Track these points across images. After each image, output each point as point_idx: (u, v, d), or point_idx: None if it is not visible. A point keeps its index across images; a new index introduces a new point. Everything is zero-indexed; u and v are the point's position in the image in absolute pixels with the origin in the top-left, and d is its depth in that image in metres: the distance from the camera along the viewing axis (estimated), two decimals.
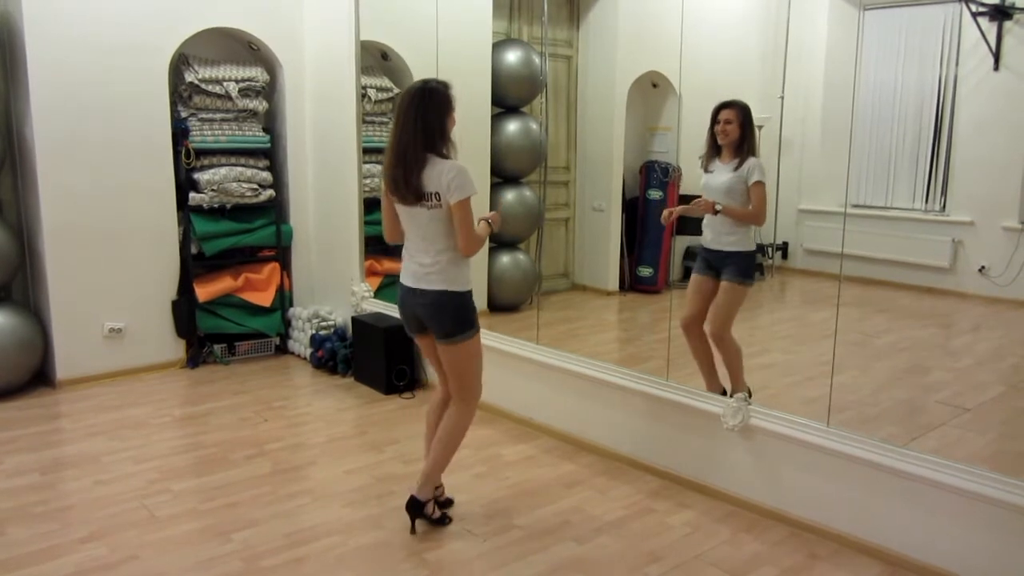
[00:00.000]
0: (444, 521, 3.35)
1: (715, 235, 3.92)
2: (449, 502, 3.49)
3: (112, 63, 4.98)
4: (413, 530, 3.27)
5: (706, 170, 3.94)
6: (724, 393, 3.95)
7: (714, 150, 3.91)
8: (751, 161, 3.80)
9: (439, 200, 3.03)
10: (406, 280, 3.20)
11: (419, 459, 4.01)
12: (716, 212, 3.81)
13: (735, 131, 3.80)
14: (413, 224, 3.13)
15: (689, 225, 5.93)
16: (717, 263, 3.95)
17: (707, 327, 3.98)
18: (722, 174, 3.86)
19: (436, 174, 3.01)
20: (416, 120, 3.02)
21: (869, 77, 5.20)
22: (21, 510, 3.45)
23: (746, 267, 3.90)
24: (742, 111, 3.81)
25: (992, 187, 4.83)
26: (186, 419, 4.57)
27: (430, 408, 3.43)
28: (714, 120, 3.86)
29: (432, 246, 3.10)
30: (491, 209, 6.09)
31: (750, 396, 3.89)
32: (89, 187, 4.99)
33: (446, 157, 3.06)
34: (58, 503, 3.53)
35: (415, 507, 3.26)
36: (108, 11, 4.93)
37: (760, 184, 3.79)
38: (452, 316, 3.14)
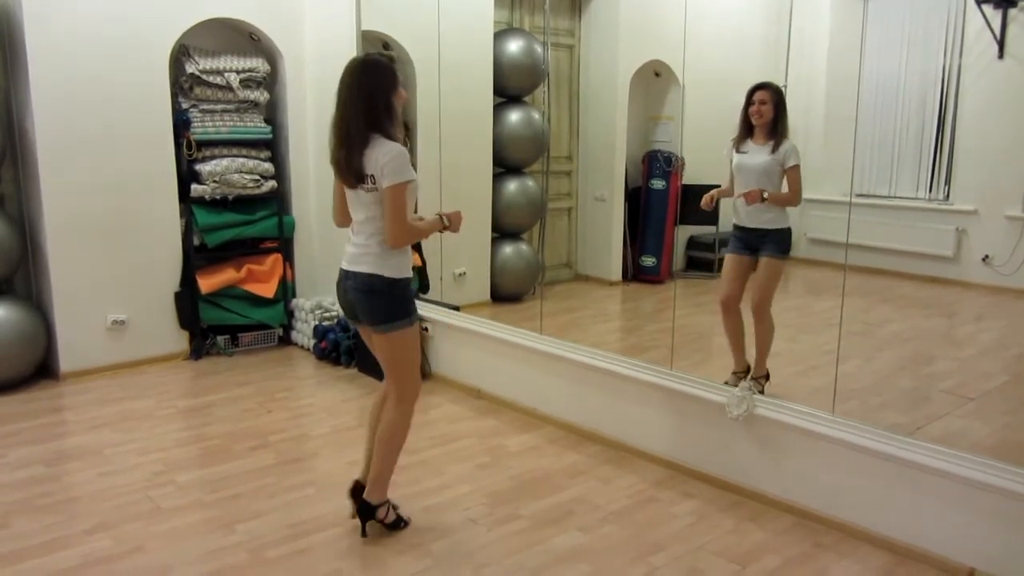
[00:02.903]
0: (399, 524, 3.20)
1: (752, 214, 4.00)
2: (402, 523, 3.23)
3: (113, 55, 4.96)
4: (364, 533, 3.14)
5: (738, 150, 4.03)
6: (748, 370, 4.05)
7: (747, 131, 4.00)
8: (787, 144, 3.90)
9: (374, 183, 2.86)
10: (343, 263, 3.07)
11: (421, 449, 4.02)
12: (764, 200, 3.90)
13: (769, 112, 3.90)
14: (354, 206, 2.99)
15: (692, 214, 5.93)
16: (755, 241, 4.03)
17: (751, 302, 4.06)
18: (758, 155, 3.95)
19: (376, 156, 2.83)
20: (359, 97, 2.85)
21: (872, 66, 5.18)
22: (26, 502, 3.45)
23: (784, 242, 4.02)
24: (776, 92, 3.92)
25: (996, 176, 4.82)
26: (190, 411, 4.57)
27: (374, 407, 3.23)
28: (748, 101, 3.96)
29: (367, 228, 2.95)
30: (493, 204, 6.11)
31: (768, 379, 4.02)
32: (90, 179, 4.98)
33: (393, 138, 2.88)
34: (63, 495, 3.53)
35: (366, 511, 3.11)
36: (108, 3, 4.91)
37: (797, 167, 3.89)
38: (381, 302, 2.96)
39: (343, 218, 3.11)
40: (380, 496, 3.14)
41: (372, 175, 2.85)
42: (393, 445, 3.10)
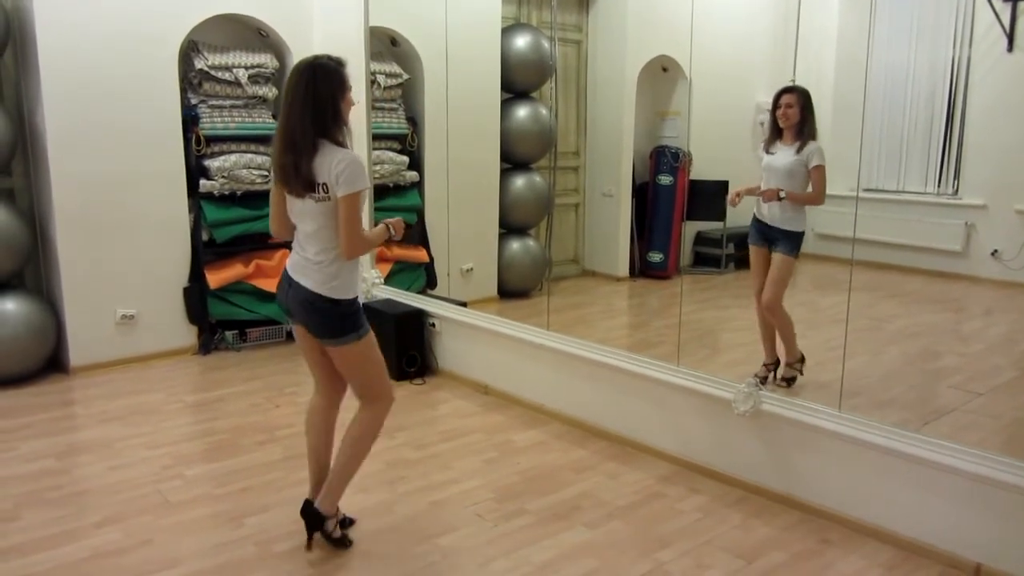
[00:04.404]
0: (345, 543, 3.04)
1: (772, 210, 4.11)
2: (350, 521, 3.20)
3: (122, 50, 4.98)
4: (309, 546, 3.03)
5: (767, 151, 4.13)
6: (777, 363, 4.19)
7: (775, 133, 4.10)
8: (812, 145, 3.98)
9: (327, 192, 2.73)
10: (289, 268, 2.90)
11: (429, 444, 4.04)
12: (780, 199, 4.01)
13: (795, 114, 3.99)
14: (302, 217, 2.82)
15: (699, 210, 5.93)
16: (771, 236, 4.15)
17: (763, 298, 4.16)
18: (783, 156, 4.05)
19: (327, 163, 2.71)
20: (306, 101, 2.71)
21: (881, 59, 5.16)
22: (36, 495, 3.48)
23: (797, 244, 4.13)
24: (803, 95, 4.01)
25: (1005, 170, 4.80)
26: (198, 405, 4.60)
27: (308, 415, 3.12)
28: (776, 104, 4.05)
29: (318, 242, 2.80)
30: (500, 199, 6.11)
31: (803, 361, 4.16)
32: (100, 174, 5.00)
33: (342, 145, 2.77)
34: (73, 488, 3.56)
35: (314, 519, 2.99)
36: None
37: (820, 168, 3.97)
38: (325, 319, 2.83)
39: (281, 228, 2.95)
40: (331, 508, 3.02)
41: (324, 183, 2.73)
42: (358, 453, 2.99)
